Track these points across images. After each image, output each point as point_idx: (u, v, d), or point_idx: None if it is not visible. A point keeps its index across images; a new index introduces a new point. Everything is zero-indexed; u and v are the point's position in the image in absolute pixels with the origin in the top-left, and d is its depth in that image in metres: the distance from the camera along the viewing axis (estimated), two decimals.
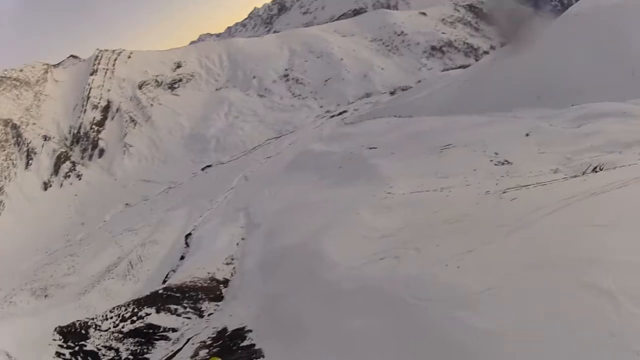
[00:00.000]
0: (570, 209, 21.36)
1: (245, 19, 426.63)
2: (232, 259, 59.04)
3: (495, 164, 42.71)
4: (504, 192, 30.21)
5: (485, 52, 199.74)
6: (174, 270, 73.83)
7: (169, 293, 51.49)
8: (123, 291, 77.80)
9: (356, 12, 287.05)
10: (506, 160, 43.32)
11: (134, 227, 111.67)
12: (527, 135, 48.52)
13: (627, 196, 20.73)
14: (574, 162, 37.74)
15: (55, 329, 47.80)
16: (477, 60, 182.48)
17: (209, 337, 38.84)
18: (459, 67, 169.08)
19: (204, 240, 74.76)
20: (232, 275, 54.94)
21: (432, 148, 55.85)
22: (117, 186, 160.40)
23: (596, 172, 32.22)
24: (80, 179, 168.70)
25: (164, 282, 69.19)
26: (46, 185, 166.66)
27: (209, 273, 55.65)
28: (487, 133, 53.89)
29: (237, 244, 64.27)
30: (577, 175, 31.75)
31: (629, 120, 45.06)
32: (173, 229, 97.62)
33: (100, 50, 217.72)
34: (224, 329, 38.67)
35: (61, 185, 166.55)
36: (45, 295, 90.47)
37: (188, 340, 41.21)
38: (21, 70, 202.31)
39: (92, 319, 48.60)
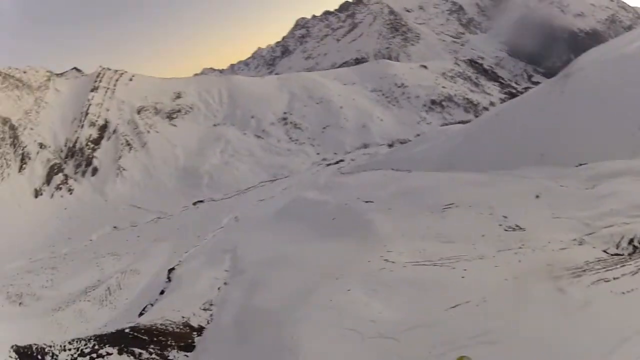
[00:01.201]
0: None
1: (249, 58, 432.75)
2: (211, 305, 56.20)
3: (506, 229, 39.31)
4: (541, 280, 26.76)
5: (485, 108, 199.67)
6: (152, 304, 70.27)
7: (135, 334, 48.23)
8: (98, 316, 76.39)
9: (358, 61, 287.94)
10: (517, 226, 39.86)
11: (118, 251, 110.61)
12: (537, 197, 45.30)
13: None
14: (597, 231, 34.19)
15: (12, 346, 45.23)
16: (476, 115, 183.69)
17: None
18: (459, 122, 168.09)
19: (186, 278, 71.81)
20: (207, 323, 52.00)
21: (432, 207, 52.70)
22: (107, 207, 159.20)
23: (635, 247, 29.06)
24: (71, 194, 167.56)
25: (141, 314, 66.96)
26: (37, 193, 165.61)
27: (183, 317, 52.79)
28: (492, 193, 50.80)
29: (219, 288, 61.41)
30: (619, 254, 28.62)
31: None
32: (157, 260, 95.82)
33: (103, 68, 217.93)
34: None
35: (52, 195, 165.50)
36: (20, 303, 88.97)
37: None
38: (25, 72, 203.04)
39: (50, 346, 45.80)
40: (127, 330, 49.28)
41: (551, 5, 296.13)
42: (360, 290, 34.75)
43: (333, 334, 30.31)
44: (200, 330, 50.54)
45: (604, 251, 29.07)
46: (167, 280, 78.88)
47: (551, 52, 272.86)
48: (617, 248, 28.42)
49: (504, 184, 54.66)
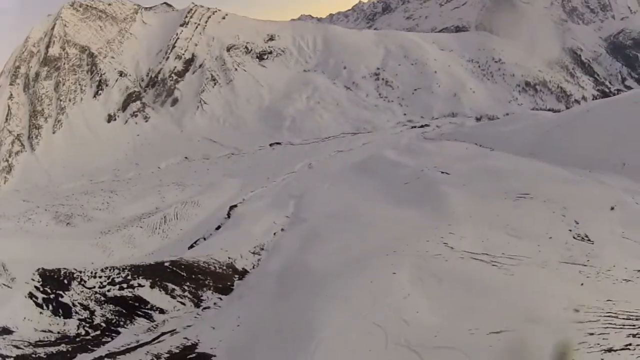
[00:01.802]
0: None
1: (349, 10, 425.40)
2: (262, 249, 56.24)
3: (575, 237, 38.27)
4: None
5: (577, 101, 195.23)
6: (204, 238, 71.26)
7: (174, 269, 48.33)
8: (148, 243, 77.51)
9: (458, 29, 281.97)
10: (587, 236, 38.71)
11: (184, 182, 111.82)
12: (612, 208, 44.05)
13: None
14: None
15: (38, 270, 45.79)
16: (567, 106, 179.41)
17: (168, 352, 35.74)
18: (549, 110, 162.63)
19: (245, 218, 71.73)
20: (253, 267, 52.02)
21: (508, 192, 51.95)
22: (182, 138, 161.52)
23: None
24: (147, 121, 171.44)
25: (191, 247, 67.69)
26: (110, 118, 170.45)
27: (229, 258, 52.73)
28: (569, 192, 49.54)
29: (275, 233, 61.43)
30: None
31: None
32: (221, 195, 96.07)
33: (195, 5, 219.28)
34: (193, 345, 35.98)
35: (126, 121, 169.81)
36: (68, 223, 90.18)
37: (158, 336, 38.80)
38: (109, 4, 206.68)
39: (81, 272, 46.05)
40: (166, 264, 49.18)
41: None
42: (406, 275, 33.29)
43: (358, 326, 28.58)
44: (243, 274, 50.49)
45: None
46: (226, 216, 79.15)
47: None
48: None
49: (583, 186, 53.33)
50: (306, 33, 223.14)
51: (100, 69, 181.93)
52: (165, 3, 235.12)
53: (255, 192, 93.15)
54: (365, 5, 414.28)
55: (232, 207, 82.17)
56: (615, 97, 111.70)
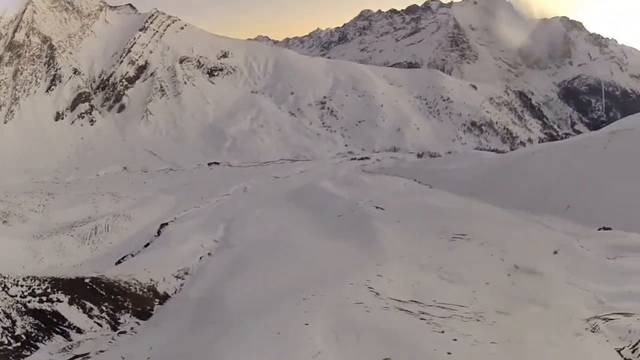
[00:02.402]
0: None
1: (305, 36, 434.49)
2: (185, 274, 54.04)
3: (514, 282, 34.60)
4: None
5: (522, 143, 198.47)
6: (132, 255, 69.39)
7: (94, 287, 45.54)
8: (77, 253, 74.73)
9: (410, 66, 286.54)
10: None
11: (119, 193, 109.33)
12: (555, 252, 40.89)
13: None
14: (610, 314, 28.49)
15: None
16: (512, 148, 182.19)
17: None
18: (493, 150, 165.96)
19: (173, 238, 70.44)
20: (175, 292, 49.60)
21: (443, 232, 48.92)
22: (124, 147, 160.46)
23: None
24: (92, 125, 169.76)
25: (118, 262, 65.78)
26: (58, 116, 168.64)
27: (152, 280, 50.21)
28: (509, 235, 46.55)
29: (201, 258, 59.59)
30: None
31: None
32: (154, 211, 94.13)
33: (157, 11, 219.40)
34: None
35: (72, 122, 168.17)
36: (4, 222, 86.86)
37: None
38: None
39: (5, 277, 42.96)
40: (87, 280, 46.47)
41: (611, 60, 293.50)
42: (320, 327, 28.16)
43: None
44: (164, 298, 48.16)
45: (618, 352, 24.20)
46: (157, 234, 77.68)
47: (599, 105, 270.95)
48: (632, 352, 23.56)
49: (524, 228, 50.68)
50: (259, 54, 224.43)
51: (56, 63, 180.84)
52: (129, 4, 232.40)
53: (187, 212, 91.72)
54: (323, 33, 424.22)
55: (163, 225, 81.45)
56: (563, 141, 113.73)
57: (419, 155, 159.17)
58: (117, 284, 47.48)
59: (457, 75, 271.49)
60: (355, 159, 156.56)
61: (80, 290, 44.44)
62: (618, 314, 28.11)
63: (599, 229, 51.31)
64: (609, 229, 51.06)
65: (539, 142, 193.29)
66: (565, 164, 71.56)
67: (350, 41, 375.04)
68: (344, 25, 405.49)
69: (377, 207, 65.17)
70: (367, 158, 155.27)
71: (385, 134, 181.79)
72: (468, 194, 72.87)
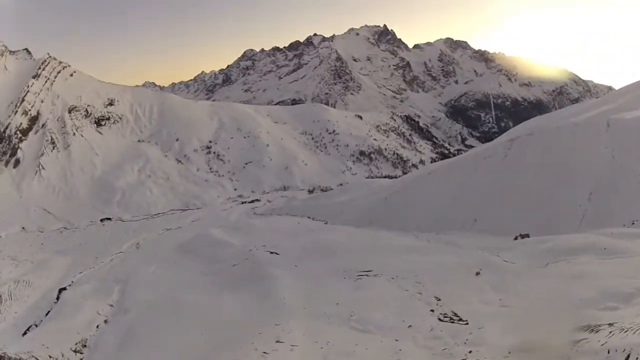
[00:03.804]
0: None
1: (191, 80, 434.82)
2: (83, 347, 48.74)
3: (440, 319, 28.83)
4: None
5: (414, 165, 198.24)
6: (36, 325, 63.25)
7: None
8: None
9: (294, 102, 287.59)
10: (455, 315, 29.45)
11: (19, 256, 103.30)
12: (477, 273, 35.80)
13: None
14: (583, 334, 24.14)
15: None
16: (404, 172, 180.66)
17: None
18: (385, 177, 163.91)
19: (69, 306, 64.37)
20: None
21: (346, 270, 43.67)
22: (20, 206, 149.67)
23: None
24: None
25: (25, 333, 60.35)
26: None
27: (50, 357, 45.15)
28: (420, 263, 41.57)
29: (98, 326, 54.18)
30: None
31: (614, 260, 33.38)
32: (51, 275, 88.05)
33: (50, 57, 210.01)
34: None
35: None
36: None
37: None
38: None
39: None
40: None
41: (499, 73, 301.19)
42: None
43: None
44: None
45: None
46: (56, 300, 72.96)
47: (489, 117, 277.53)
48: None
49: (433, 252, 46.05)
50: (144, 100, 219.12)
51: None
52: (26, 49, 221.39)
53: (83, 274, 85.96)
54: (207, 75, 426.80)
55: (61, 290, 76.09)
56: (459, 156, 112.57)
57: (310, 191, 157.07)
58: None
59: (341, 107, 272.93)
60: (245, 202, 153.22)
61: None
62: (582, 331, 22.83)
63: (515, 238, 48.78)
64: (527, 235, 48.81)
65: (431, 162, 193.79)
66: (464, 178, 70.00)
67: (235, 82, 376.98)
68: (228, 66, 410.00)
69: (271, 252, 60.78)
70: (257, 200, 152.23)
71: (274, 174, 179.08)
72: (366, 224, 70.58)
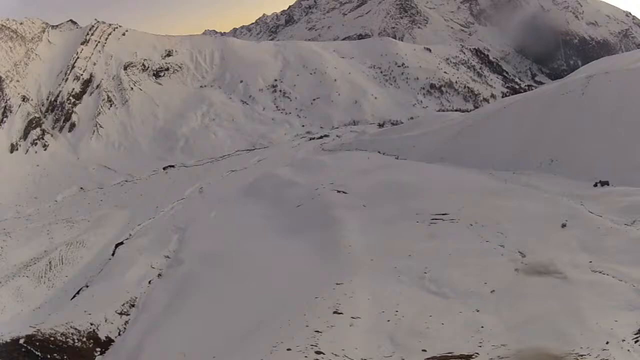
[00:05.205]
0: None
1: (252, 23, 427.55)
2: (131, 307, 46.92)
3: (526, 285, 25.39)
4: None
5: (485, 99, 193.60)
6: (87, 286, 61.12)
7: (29, 347, 39.30)
8: (35, 295, 67.49)
9: (360, 37, 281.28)
10: (543, 274, 26.64)
11: (75, 217, 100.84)
12: (563, 225, 32.99)
13: None
14: None
15: None
16: (476, 106, 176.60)
17: None
18: (457, 110, 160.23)
19: (122, 262, 62.09)
20: (119, 334, 42.81)
21: (419, 213, 40.85)
22: (78, 166, 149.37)
23: None
24: (45, 150, 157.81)
25: (74, 297, 57.96)
26: (13, 148, 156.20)
27: (91, 325, 43.21)
28: (500, 208, 38.65)
29: (150, 281, 52.26)
30: None
31: None
32: (108, 231, 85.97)
33: (97, 22, 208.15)
34: None
35: (27, 151, 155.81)
36: None
37: None
38: (21, 23, 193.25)
39: None
40: (22, 341, 40.27)
41: (566, 10, 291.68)
42: None
43: None
44: (106, 344, 42.33)
45: None
46: (111, 256, 70.19)
47: (558, 54, 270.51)
48: None
49: (514, 196, 42.71)
50: (204, 47, 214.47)
51: (5, 95, 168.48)
52: (70, 20, 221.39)
53: (142, 225, 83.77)
54: (269, 18, 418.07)
55: (117, 245, 72.77)
56: (534, 91, 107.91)
57: (380, 125, 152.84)
58: (52, 338, 41.15)
59: (409, 41, 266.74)
60: (313, 138, 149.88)
61: (16, 354, 39.15)
62: None
63: (595, 185, 45.50)
64: (606, 183, 45.47)
65: (502, 96, 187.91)
66: (541, 114, 65.86)
67: (298, 22, 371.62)
68: (290, 7, 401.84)
69: (338, 192, 58.16)
70: (326, 136, 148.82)
71: (342, 109, 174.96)
72: (438, 159, 67.68)
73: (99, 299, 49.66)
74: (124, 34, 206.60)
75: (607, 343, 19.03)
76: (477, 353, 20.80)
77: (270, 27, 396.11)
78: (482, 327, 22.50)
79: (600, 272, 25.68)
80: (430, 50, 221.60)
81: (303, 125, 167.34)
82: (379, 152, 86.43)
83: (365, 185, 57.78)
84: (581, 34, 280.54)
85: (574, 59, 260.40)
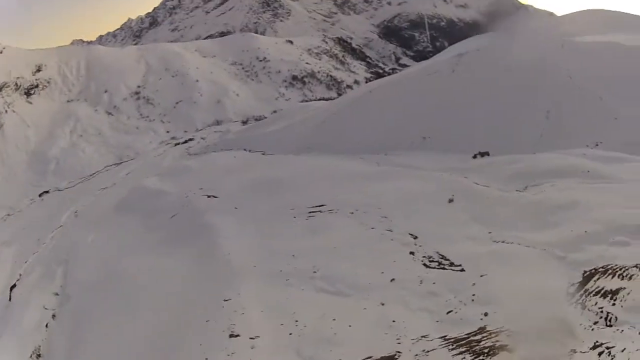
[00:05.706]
0: None
1: (117, 29, 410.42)
2: (38, 357, 42.60)
3: (428, 265, 23.65)
4: None
5: (349, 86, 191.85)
6: None
7: None
8: None
9: (223, 35, 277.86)
10: (444, 258, 24.48)
11: None
12: (450, 201, 31.25)
13: None
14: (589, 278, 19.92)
15: None
16: (339, 94, 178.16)
17: None
18: (320, 99, 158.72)
19: (16, 307, 57.18)
20: None
21: (294, 208, 38.14)
22: None
23: None
24: None
25: None
26: None
27: None
28: (379, 192, 36.37)
29: (47, 325, 47.37)
30: None
31: (601, 185, 29.93)
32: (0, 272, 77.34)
33: None
34: None
35: None
36: None
37: None
38: None
39: None
40: None
41: None
42: None
43: None
44: None
45: None
46: (9, 299, 63.25)
47: (424, 37, 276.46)
48: None
49: (392, 178, 40.55)
50: (71, 58, 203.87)
51: None
52: None
53: (28, 262, 74.43)
54: (133, 22, 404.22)
55: (12, 288, 65.61)
56: (402, 72, 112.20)
57: (244, 122, 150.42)
58: None
59: (271, 35, 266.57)
60: (179, 143, 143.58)
61: None
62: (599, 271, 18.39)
63: (475, 156, 44.89)
64: (487, 153, 44.99)
65: (366, 82, 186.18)
66: (409, 95, 66.39)
67: (161, 24, 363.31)
68: (154, 9, 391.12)
69: (208, 196, 55.71)
70: (191, 139, 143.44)
71: (205, 110, 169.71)
72: (305, 150, 66.33)
73: (7, 350, 46.02)
74: (1, 52, 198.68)
75: None
76: (399, 352, 18.83)
77: (135, 32, 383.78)
78: (394, 321, 20.40)
79: (502, 242, 23.98)
80: (292, 42, 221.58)
81: (167, 131, 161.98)
82: (244, 149, 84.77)
83: (234, 186, 55.57)
84: (449, 17, 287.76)
85: (440, 41, 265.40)
